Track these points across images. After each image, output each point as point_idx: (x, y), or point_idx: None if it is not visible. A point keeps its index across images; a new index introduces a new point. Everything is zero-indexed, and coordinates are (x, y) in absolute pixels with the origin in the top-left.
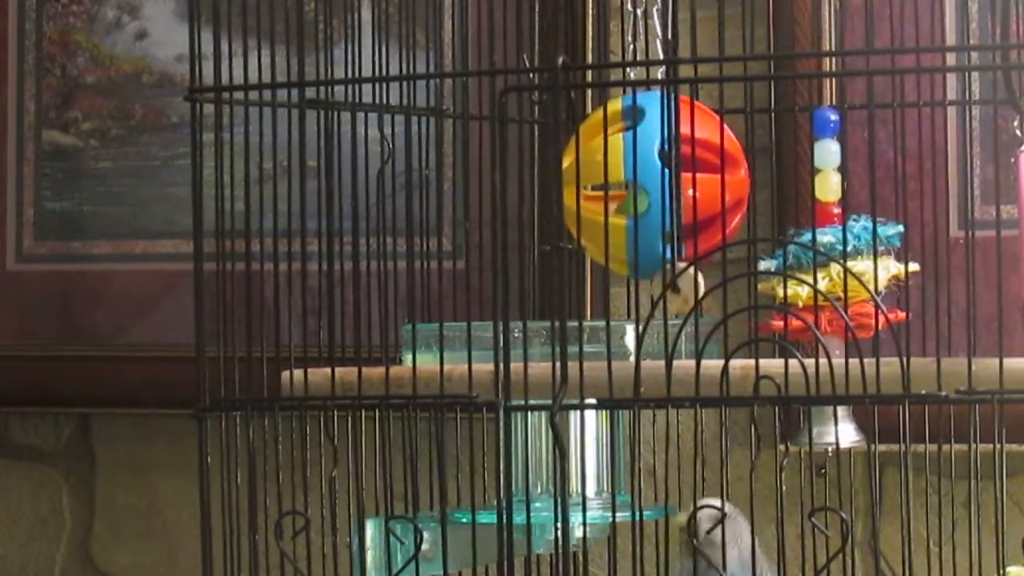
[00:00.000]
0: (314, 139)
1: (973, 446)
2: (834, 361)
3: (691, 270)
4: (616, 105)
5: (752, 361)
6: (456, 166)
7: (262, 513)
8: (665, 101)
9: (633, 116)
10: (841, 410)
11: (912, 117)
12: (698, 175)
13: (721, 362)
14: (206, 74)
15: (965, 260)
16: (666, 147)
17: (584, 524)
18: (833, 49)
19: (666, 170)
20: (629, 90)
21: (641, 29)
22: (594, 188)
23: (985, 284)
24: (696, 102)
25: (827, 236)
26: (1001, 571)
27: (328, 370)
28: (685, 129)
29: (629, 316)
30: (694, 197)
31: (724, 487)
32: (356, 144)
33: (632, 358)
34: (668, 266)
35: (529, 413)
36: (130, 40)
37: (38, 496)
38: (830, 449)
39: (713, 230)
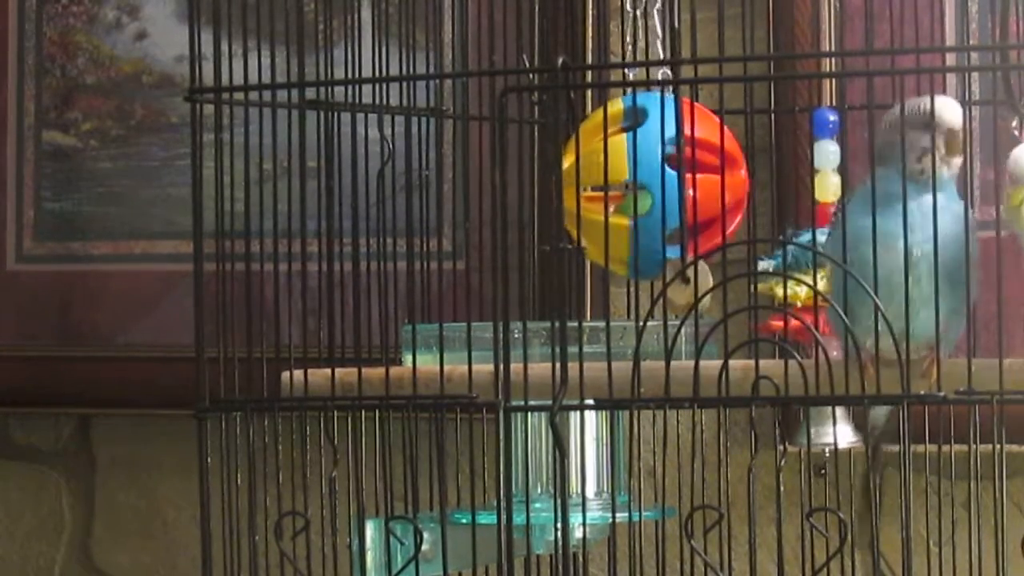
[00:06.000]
0: (314, 139)
1: (973, 446)
2: (833, 361)
3: (699, 263)
4: (617, 105)
5: (751, 361)
6: (456, 166)
7: (262, 513)
8: (666, 102)
9: (634, 116)
10: (839, 410)
11: None
12: (698, 176)
13: (720, 362)
14: (206, 74)
15: (965, 260)
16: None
17: (584, 524)
18: (833, 49)
19: (669, 170)
20: (630, 90)
21: (641, 29)
22: (595, 189)
23: (985, 284)
24: (693, 102)
25: (826, 236)
26: (1001, 572)
27: (328, 371)
28: (686, 130)
29: (629, 316)
30: (694, 198)
31: (723, 487)
32: (356, 144)
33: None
34: (677, 259)
35: (529, 414)
36: (130, 40)
37: (38, 496)
38: (828, 450)
39: (712, 231)
